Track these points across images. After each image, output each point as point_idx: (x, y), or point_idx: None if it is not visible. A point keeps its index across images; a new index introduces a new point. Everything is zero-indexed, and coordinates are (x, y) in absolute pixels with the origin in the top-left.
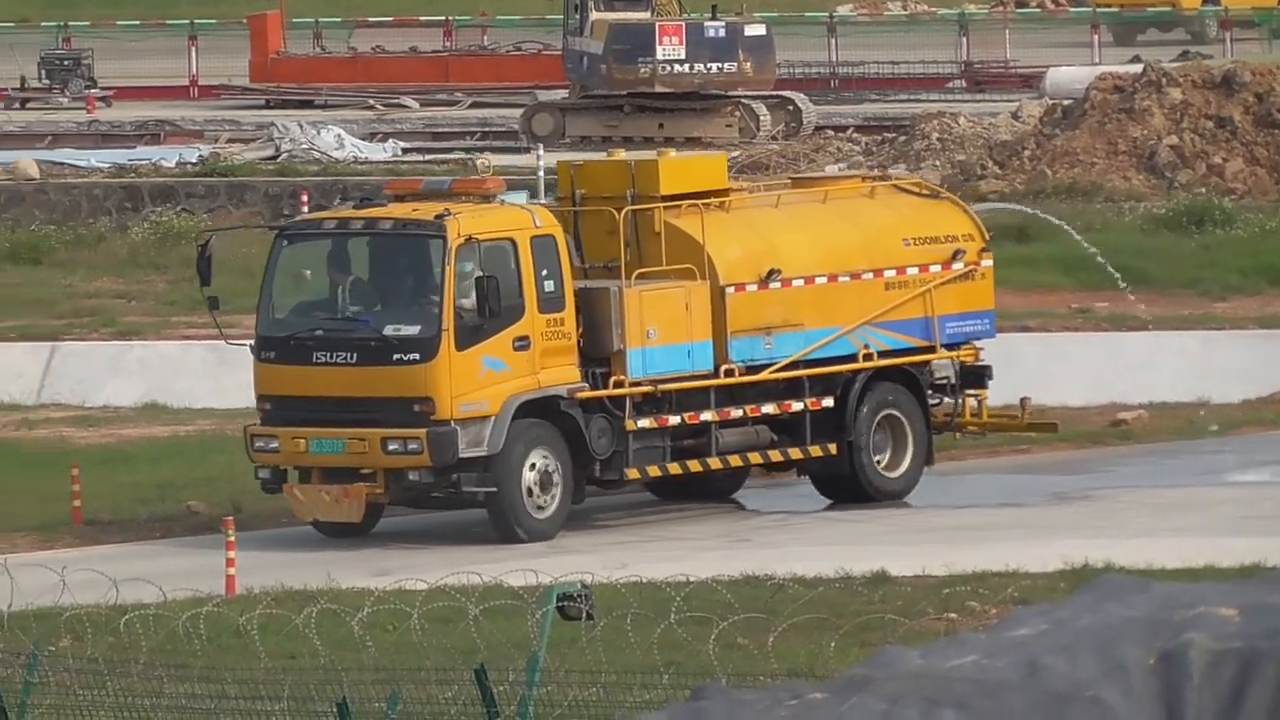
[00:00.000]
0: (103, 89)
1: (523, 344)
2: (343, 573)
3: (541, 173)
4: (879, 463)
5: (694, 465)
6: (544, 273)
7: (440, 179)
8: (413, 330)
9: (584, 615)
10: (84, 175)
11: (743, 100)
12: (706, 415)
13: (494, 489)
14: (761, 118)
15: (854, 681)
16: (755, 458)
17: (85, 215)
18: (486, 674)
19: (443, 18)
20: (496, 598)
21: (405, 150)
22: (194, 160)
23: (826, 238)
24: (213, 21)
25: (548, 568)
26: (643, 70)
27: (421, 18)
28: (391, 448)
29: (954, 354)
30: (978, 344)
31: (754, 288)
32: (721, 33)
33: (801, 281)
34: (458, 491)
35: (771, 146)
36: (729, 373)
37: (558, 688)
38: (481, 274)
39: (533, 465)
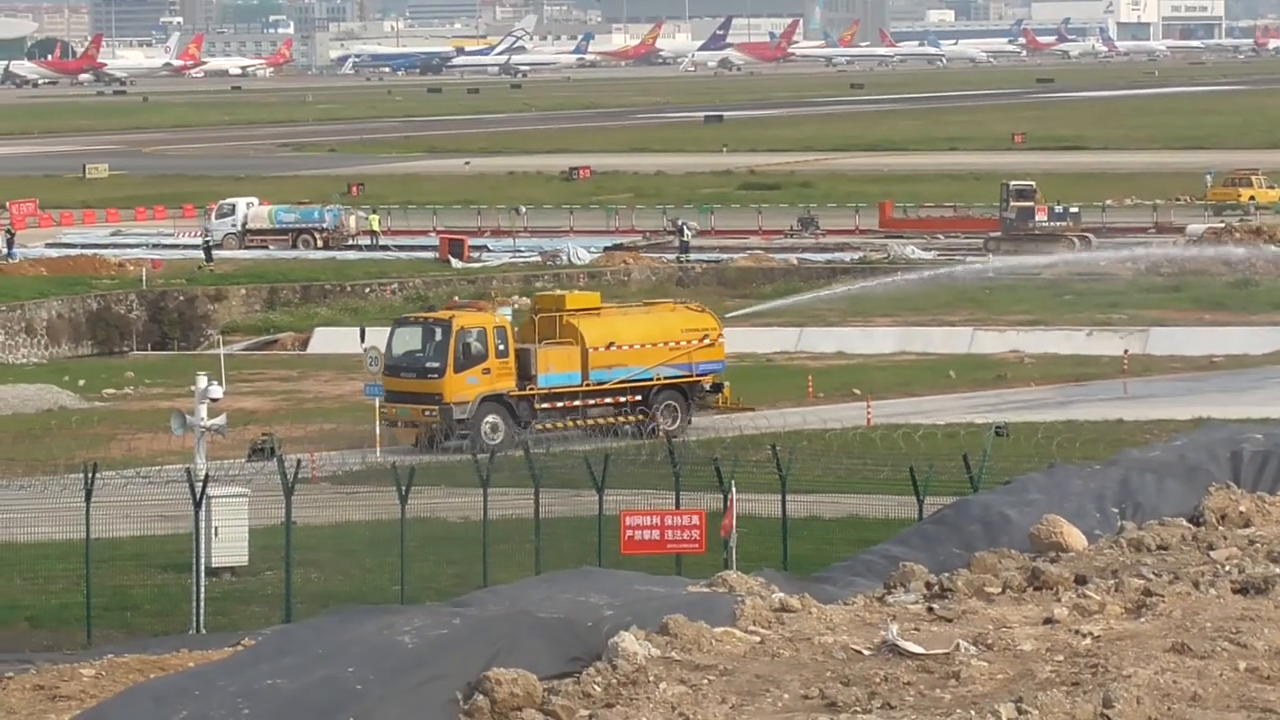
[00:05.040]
0: None
1: (487, 372)
2: None
3: None
4: (665, 423)
5: (570, 424)
6: (499, 343)
7: (465, 301)
8: (436, 364)
9: None
10: None
11: None
12: (575, 402)
13: (468, 433)
14: None
15: None
16: (606, 421)
17: None
18: None
19: None
20: None
21: None
22: None
23: (645, 328)
24: None
25: None
26: None
27: None
28: (427, 413)
29: (701, 378)
30: (718, 373)
31: (602, 350)
32: None
33: (627, 347)
34: (453, 434)
35: None
36: (587, 388)
37: None
38: (468, 341)
39: (489, 422)
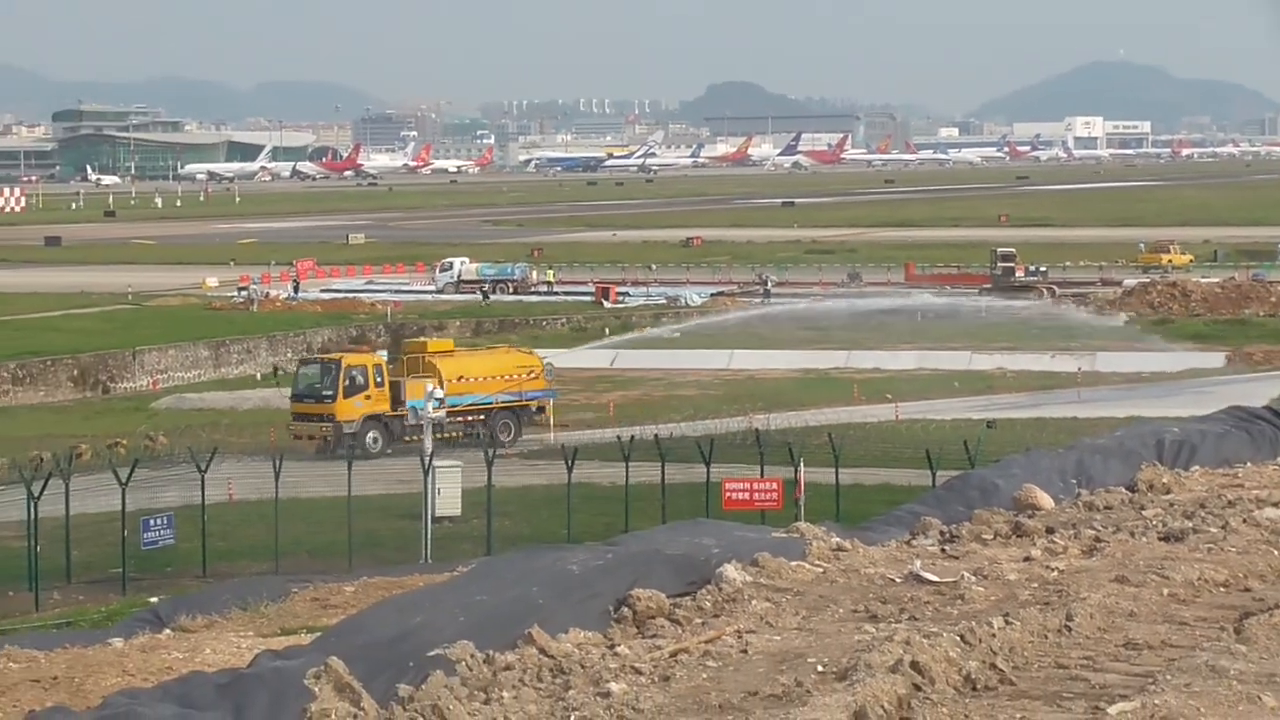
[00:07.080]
0: None
1: (368, 397)
2: None
3: None
4: (503, 437)
5: (433, 435)
6: (378, 376)
7: (352, 346)
8: (330, 392)
9: None
10: None
11: None
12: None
13: (353, 444)
14: None
15: None
16: (458, 435)
17: None
18: None
19: None
20: None
21: None
22: None
23: (489, 365)
24: None
25: None
26: None
27: None
28: (323, 429)
29: (530, 403)
30: (542, 400)
31: (454, 381)
32: None
33: (474, 379)
34: (341, 445)
35: None
36: (444, 410)
37: None
38: (353, 375)
39: (370, 434)
